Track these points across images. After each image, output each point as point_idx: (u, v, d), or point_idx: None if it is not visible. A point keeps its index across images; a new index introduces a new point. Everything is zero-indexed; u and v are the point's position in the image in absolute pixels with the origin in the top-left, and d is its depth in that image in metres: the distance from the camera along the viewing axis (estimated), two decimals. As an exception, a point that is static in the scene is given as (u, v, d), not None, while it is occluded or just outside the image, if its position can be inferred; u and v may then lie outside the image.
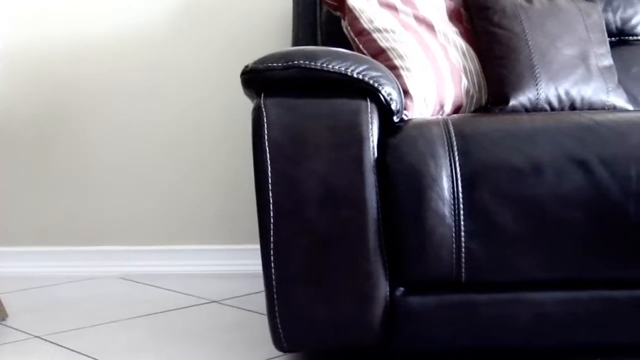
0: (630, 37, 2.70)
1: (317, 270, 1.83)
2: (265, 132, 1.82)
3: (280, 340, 1.90)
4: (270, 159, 1.81)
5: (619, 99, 2.37)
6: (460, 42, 2.31)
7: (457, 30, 2.34)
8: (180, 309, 2.60)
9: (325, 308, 1.84)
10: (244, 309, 2.57)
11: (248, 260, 3.02)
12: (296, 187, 1.81)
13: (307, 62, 1.84)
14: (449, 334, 1.89)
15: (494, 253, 1.83)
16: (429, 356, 2.00)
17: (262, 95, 1.86)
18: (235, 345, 2.19)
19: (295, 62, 1.85)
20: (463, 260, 1.83)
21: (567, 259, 1.84)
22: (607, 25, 2.63)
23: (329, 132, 1.82)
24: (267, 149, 1.82)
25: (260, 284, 1.89)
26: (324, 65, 1.84)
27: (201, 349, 2.17)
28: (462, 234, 1.82)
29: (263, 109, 1.84)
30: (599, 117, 1.92)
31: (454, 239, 1.82)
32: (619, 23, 2.69)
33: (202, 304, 2.66)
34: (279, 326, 1.87)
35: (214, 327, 2.37)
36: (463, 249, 1.82)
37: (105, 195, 3.18)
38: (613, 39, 2.66)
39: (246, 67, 1.88)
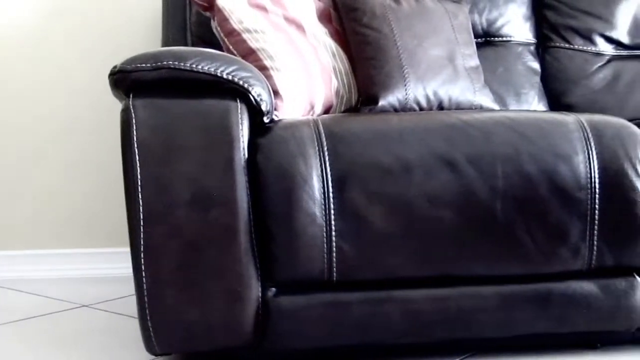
0: (496, 39, 2.75)
1: (188, 272, 1.81)
2: (134, 133, 1.80)
3: (151, 344, 1.88)
4: (139, 160, 1.79)
5: (485, 99, 2.42)
6: (330, 43, 2.32)
7: (327, 31, 2.35)
8: (49, 314, 2.55)
9: (197, 310, 1.83)
10: (116, 313, 2.54)
11: (120, 263, 2.98)
12: (166, 189, 1.79)
13: (176, 63, 1.83)
14: (322, 333, 1.90)
15: (365, 252, 1.84)
16: (304, 355, 2.00)
17: (131, 96, 1.84)
18: (106, 350, 2.16)
19: (165, 62, 1.83)
20: (334, 259, 1.84)
21: (436, 257, 1.87)
22: (474, 26, 2.68)
23: (199, 133, 1.81)
24: (136, 150, 1.79)
25: (132, 287, 1.87)
26: (194, 66, 1.82)
27: (71, 354, 2.13)
28: (333, 233, 1.83)
29: (132, 110, 1.82)
30: (466, 116, 1.95)
31: (325, 239, 1.82)
32: (484, 24, 2.74)
33: (73, 308, 2.61)
34: (150, 329, 1.85)
35: (85, 332, 2.33)
36: (334, 249, 1.83)
37: (-30, 199, 3.10)
38: (479, 40, 2.71)
39: (114, 67, 1.85)
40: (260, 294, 1.85)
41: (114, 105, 2.72)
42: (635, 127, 1.98)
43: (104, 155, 3.05)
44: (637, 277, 1.97)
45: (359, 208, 1.83)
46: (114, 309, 2.59)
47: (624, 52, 2.78)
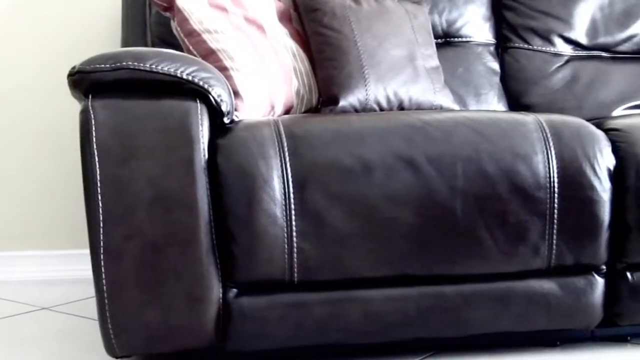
0: (456, 39, 2.76)
1: (149, 273, 1.81)
2: (93, 134, 1.79)
3: (112, 346, 1.86)
4: (98, 161, 1.78)
5: (445, 99, 2.42)
6: (291, 43, 2.32)
7: (287, 32, 2.35)
8: (8, 317, 2.53)
9: (158, 312, 1.82)
10: (76, 315, 2.52)
11: (80, 265, 2.96)
12: (126, 190, 1.78)
13: (136, 64, 1.82)
14: (283, 334, 1.90)
15: (326, 252, 1.84)
16: (265, 356, 2.00)
17: (90, 97, 1.83)
18: (66, 353, 2.15)
19: (124, 63, 1.82)
20: (295, 260, 1.84)
21: (396, 257, 1.87)
22: (434, 27, 2.69)
23: (159, 134, 1.80)
24: (96, 151, 1.78)
25: (92, 289, 1.85)
26: (153, 66, 1.82)
27: (30, 358, 2.12)
28: (294, 234, 1.83)
29: (91, 111, 1.80)
30: (427, 116, 1.96)
31: (285, 240, 1.82)
32: (444, 25, 2.75)
33: (32, 311, 2.59)
34: (111, 331, 1.84)
35: (44, 335, 2.31)
36: (295, 250, 1.83)
37: None
38: (439, 40, 2.72)
39: (73, 68, 1.84)
40: (221, 295, 1.85)
41: (72, 106, 2.71)
42: (593, 127, 2.00)
43: (63, 155, 3.03)
44: (595, 275, 1.98)
45: (320, 209, 1.83)
46: (74, 311, 2.57)
47: (582, 53, 2.80)
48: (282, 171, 1.83)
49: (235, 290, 1.87)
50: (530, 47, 2.79)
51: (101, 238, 1.79)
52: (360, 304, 1.90)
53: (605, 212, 1.93)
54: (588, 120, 2.08)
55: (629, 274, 2.01)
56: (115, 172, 1.79)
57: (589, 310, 1.99)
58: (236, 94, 2.05)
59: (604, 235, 1.94)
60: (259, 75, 2.13)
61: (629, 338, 2.15)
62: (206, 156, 1.82)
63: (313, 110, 2.36)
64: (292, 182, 1.83)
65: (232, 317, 1.86)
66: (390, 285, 1.91)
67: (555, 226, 1.91)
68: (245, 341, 1.90)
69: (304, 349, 1.98)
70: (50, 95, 3.02)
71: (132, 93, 1.83)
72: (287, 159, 1.83)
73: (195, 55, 2.11)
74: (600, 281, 1.99)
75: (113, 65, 1.82)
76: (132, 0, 2.67)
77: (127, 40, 2.64)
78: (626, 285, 2.01)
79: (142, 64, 1.82)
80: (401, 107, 2.34)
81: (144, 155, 1.79)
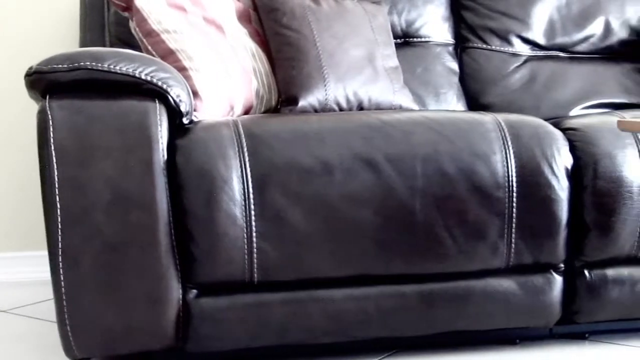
0: (415, 39, 2.77)
1: (108, 275, 1.80)
2: (51, 135, 1.78)
3: (71, 348, 1.85)
4: (56, 162, 1.77)
5: (405, 99, 2.43)
6: (250, 44, 2.32)
7: (246, 32, 2.34)
8: (-35, 320, 2.51)
9: (117, 313, 1.81)
10: (34, 318, 2.50)
11: (38, 267, 2.94)
12: (84, 191, 1.77)
13: (94, 64, 1.81)
14: (245, 334, 1.90)
15: (286, 253, 1.84)
16: (226, 357, 2.00)
17: (48, 97, 1.81)
18: (24, 355, 2.13)
19: (82, 63, 1.81)
20: (255, 261, 1.83)
21: (356, 256, 1.88)
22: (393, 27, 2.69)
23: (118, 135, 1.79)
24: (53, 152, 1.77)
25: (51, 291, 1.84)
26: (112, 66, 1.81)
27: (-12, 361, 2.10)
28: (254, 234, 1.82)
29: (48, 112, 1.79)
30: (386, 116, 1.96)
31: (245, 240, 1.82)
32: (404, 25, 2.76)
33: (-10, 314, 2.58)
34: (69, 333, 1.83)
35: (2, 338, 2.29)
36: (255, 250, 1.83)
37: None
38: (398, 40, 2.73)
39: (30, 68, 1.83)
40: (181, 296, 1.84)
41: (29, 107, 2.69)
42: (551, 127, 2.01)
43: (21, 156, 3.01)
44: (554, 273, 2.00)
45: (280, 209, 1.83)
46: (32, 314, 2.55)
47: (540, 53, 2.82)
48: (242, 171, 1.82)
49: (195, 291, 1.86)
50: (489, 47, 2.80)
51: (59, 239, 1.78)
52: (321, 303, 1.91)
53: (563, 211, 1.95)
54: (546, 119, 2.10)
55: (586, 272, 2.02)
56: (73, 173, 1.78)
57: (548, 309, 2.01)
58: (195, 94, 2.05)
59: (562, 233, 1.96)
60: (218, 76, 2.13)
61: (587, 335, 2.17)
62: (165, 157, 1.81)
63: (272, 110, 2.36)
64: (252, 182, 1.82)
65: (192, 318, 1.86)
66: (350, 285, 1.92)
67: (513, 225, 1.92)
68: (206, 342, 1.89)
69: (265, 349, 1.98)
70: (4, 96, 3.00)
71: (90, 93, 1.82)
72: (247, 159, 1.83)
73: (154, 56, 2.11)
74: (558, 279, 2.01)
75: (71, 65, 1.81)
76: (91, 0, 2.65)
77: (86, 40, 2.63)
78: (584, 283, 2.02)
79: (100, 64, 1.81)
80: (361, 107, 2.34)
81: (102, 156, 1.78)
